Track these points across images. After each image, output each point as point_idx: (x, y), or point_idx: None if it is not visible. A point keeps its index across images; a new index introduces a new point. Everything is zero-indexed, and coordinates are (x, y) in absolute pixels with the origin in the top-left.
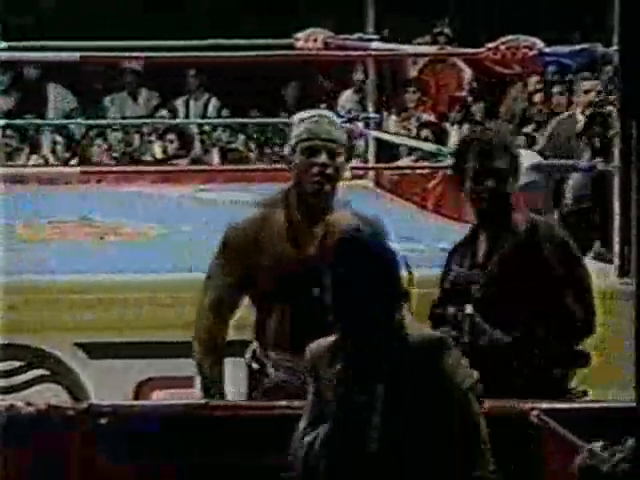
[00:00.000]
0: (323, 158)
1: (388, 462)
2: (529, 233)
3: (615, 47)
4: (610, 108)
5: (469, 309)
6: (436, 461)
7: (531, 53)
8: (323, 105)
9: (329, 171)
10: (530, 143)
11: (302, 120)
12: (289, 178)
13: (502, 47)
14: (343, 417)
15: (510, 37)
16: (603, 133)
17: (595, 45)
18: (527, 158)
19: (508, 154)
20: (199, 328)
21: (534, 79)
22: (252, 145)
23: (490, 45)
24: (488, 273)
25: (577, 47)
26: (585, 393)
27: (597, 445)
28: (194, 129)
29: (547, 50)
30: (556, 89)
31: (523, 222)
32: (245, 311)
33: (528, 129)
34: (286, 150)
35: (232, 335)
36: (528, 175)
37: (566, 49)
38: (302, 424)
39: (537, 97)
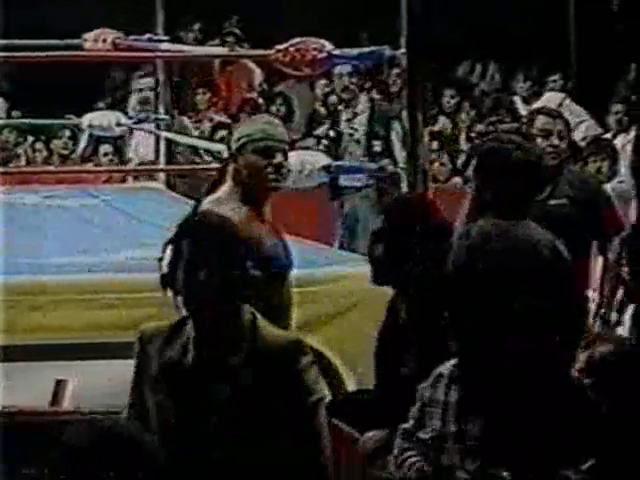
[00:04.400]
0: (279, 158)
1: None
2: None
3: (403, 50)
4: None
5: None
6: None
7: (320, 55)
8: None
9: (284, 170)
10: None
11: (251, 121)
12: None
13: (291, 49)
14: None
15: (299, 39)
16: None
17: (383, 48)
18: (317, 160)
19: None
20: None
21: (322, 82)
22: (40, 146)
23: (279, 47)
24: None
25: (366, 49)
26: None
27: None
28: None
29: (336, 52)
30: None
31: None
32: None
33: (320, 131)
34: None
35: None
36: (319, 176)
37: (355, 51)
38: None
39: (331, 99)
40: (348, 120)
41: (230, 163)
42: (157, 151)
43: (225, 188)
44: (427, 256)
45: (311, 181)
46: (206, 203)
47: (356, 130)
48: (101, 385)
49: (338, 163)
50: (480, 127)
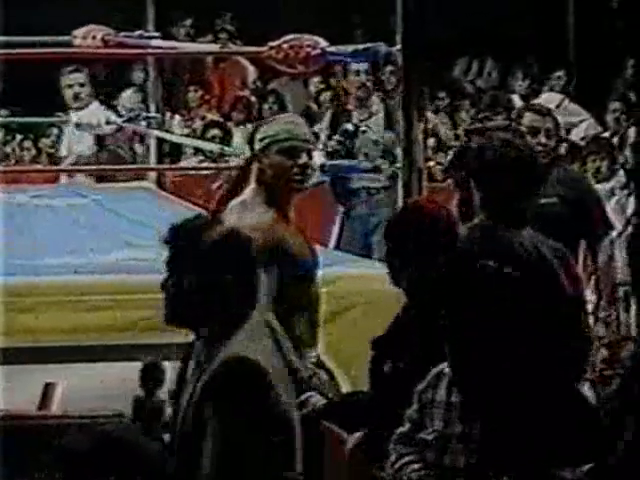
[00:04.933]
0: (304, 159)
1: None
2: None
3: (398, 47)
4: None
5: None
6: None
7: (314, 52)
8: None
9: (309, 171)
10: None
11: (275, 121)
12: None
13: (285, 46)
14: None
15: (292, 36)
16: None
17: (378, 44)
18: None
19: None
20: None
21: (316, 79)
22: (29, 144)
23: (273, 44)
24: None
25: (361, 46)
26: None
27: None
28: None
29: (330, 49)
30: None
31: None
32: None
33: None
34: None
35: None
36: (314, 175)
37: (349, 48)
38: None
39: (323, 97)
40: (362, 120)
41: (253, 163)
42: (148, 150)
43: (249, 190)
44: (435, 264)
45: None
46: (231, 207)
47: (372, 130)
48: (93, 387)
49: (334, 162)
50: (469, 124)
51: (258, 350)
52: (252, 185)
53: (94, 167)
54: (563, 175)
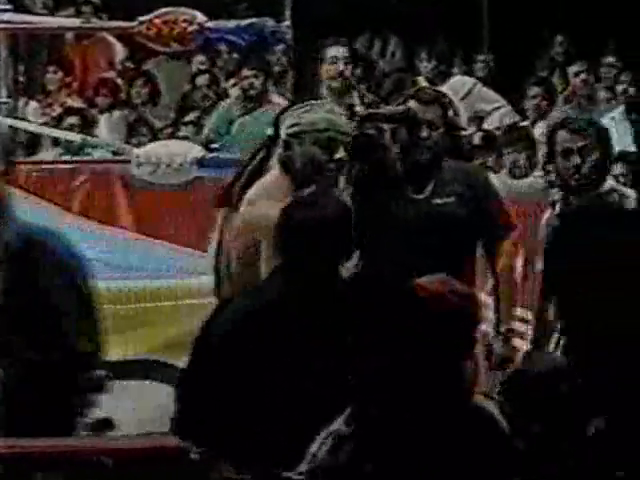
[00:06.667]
0: (342, 153)
1: None
2: None
3: (287, 22)
4: None
5: None
6: None
7: (191, 28)
8: None
9: (345, 169)
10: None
11: (313, 107)
12: None
13: (157, 21)
14: None
15: (167, 9)
16: None
17: (265, 20)
18: (189, 151)
19: None
20: None
21: (199, 58)
22: None
23: (143, 18)
24: None
25: (244, 22)
26: None
27: None
28: None
29: (210, 25)
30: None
31: None
32: None
33: (191, 117)
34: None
35: None
36: (192, 170)
37: (232, 24)
38: None
39: (201, 80)
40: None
41: (279, 149)
42: None
43: (272, 177)
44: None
45: (183, 176)
46: (252, 193)
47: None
48: None
49: (214, 155)
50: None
51: None
52: (276, 172)
53: None
54: (455, 171)
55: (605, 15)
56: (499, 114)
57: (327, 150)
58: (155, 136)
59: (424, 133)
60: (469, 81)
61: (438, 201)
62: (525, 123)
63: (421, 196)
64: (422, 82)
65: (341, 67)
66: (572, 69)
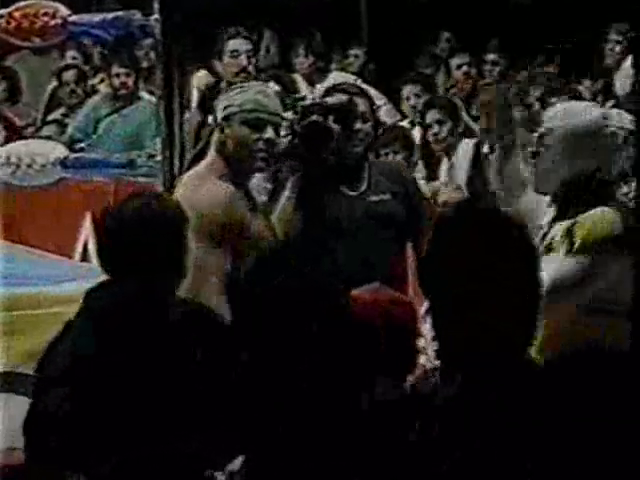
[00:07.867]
0: (270, 133)
1: None
2: None
3: (156, 16)
4: None
5: None
6: None
7: (53, 22)
8: None
9: (275, 149)
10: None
11: (242, 89)
12: None
13: (17, 14)
14: None
15: (26, 2)
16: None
17: (132, 13)
18: (51, 151)
19: None
20: None
21: (71, 53)
22: None
23: (2, 11)
24: None
25: (110, 15)
26: None
27: None
28: None
29: (73, 18)
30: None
31: None
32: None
33: (57, 114)
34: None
35: None
36: (55, 171)
37: (96, 17)
38: None
39: (68, 75)
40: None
41: (214, 133)
42: None
43: (206, 162)
44: None
45: (45, 177)
46: (187, 177)
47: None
48: None
49: (79, 155)
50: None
51: None
52: (211, 154)
53: None
54: (386, 167)
55: (489, 13)
56: (381, 112)
57: (256, 130)
58: (16, 135)
59: (358, 125)
60: (347, 77)
61: (374, 198)
62: (404, 123)
63: (355, 193)
64: (299, 80)
65: (244, 62)
66: (454, 62)
